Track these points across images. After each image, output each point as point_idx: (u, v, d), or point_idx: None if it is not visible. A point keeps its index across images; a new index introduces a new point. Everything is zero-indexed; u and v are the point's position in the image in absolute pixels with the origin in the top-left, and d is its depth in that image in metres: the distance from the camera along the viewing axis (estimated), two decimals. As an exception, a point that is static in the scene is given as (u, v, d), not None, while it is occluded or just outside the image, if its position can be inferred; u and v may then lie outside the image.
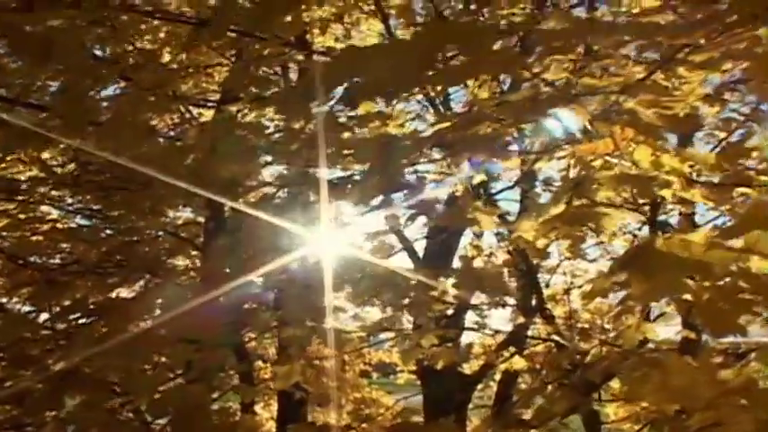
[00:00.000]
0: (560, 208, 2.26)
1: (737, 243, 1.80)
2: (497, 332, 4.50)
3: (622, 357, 2.67)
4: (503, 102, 1.96)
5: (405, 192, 2.26)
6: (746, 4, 2.06)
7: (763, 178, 2.04)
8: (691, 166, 2.38)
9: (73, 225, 4.40)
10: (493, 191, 4.52)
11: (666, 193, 2.15)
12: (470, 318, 4.59)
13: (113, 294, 3.55)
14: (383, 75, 1.35)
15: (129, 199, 3.02)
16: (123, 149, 2.62)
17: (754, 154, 2.19)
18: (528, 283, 4.23)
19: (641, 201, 3.94)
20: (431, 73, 1.43)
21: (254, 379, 4.72)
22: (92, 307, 3.44)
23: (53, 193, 4.13)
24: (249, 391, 4.14)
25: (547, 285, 5.22)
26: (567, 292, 4.65)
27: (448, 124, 1.91)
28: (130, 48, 4.53)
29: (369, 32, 4.35)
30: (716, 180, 2.11)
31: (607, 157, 2.65)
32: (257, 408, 5.95)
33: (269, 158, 3.08)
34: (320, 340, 3.17)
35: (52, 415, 2.77)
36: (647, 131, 2.38)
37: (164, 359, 3.06)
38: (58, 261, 4.30)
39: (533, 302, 4.20)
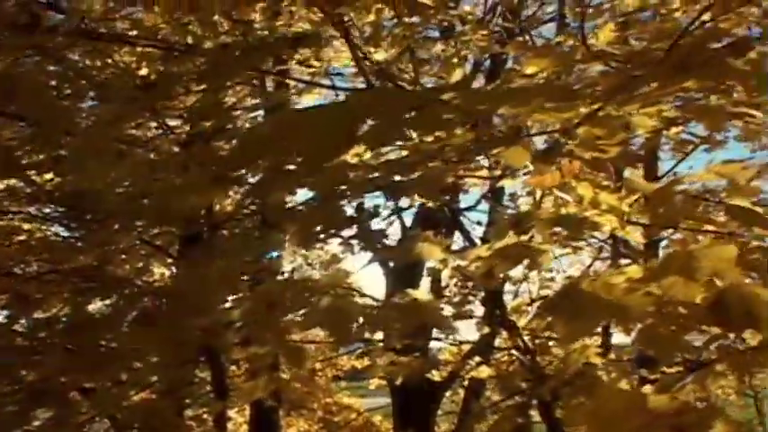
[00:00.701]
0: (502, 243, 2.37)
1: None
2: (462, 343, 4.65)
3: (569, 379, 2.81)
4: (445, 145, 2.07)
5: (353, 224, 2.37)
6: (675, 59, 2.19)
7: (690, 222, 2.17)
8: (631, 204, 2.51)
9: (49, 233, 4.50)
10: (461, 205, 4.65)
11: (602, 231, 2.27)
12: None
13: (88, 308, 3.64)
14: (305, 149, 1.45)
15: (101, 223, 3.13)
16: (91, 179, 2.72)
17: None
18: (493, 293, 4.35)
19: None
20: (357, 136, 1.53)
21: (226, 386, 4.85)
22: (65, 319, 3.54)
23: (30, 203, 4.23)
24: (216, 405, 4.27)
25: (516, 295, 5.38)
26: (531, 302, 4.78)
27: (391, 165, 2.02)
28: (109, 60, 4.62)
29: (342, 49, 4.45)
30: (647, 221, 2.23)
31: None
32: (231, 412, 6.08)
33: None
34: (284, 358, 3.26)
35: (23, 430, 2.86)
36: (594, 165, 2.51)
37: (133, 373, 3.16)
38: (35, 268, 4.39)
39: (498, 313, 4.33)
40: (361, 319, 2.30)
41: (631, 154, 2.71)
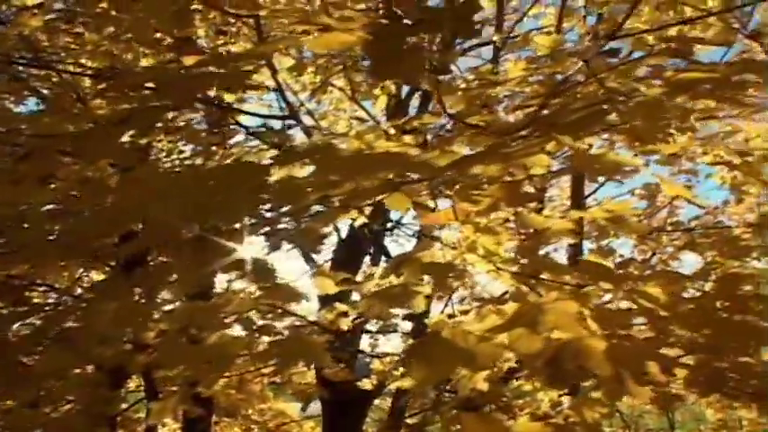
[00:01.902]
0: (388, 282, 2.55)
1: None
2: (386, 355, 4.84)
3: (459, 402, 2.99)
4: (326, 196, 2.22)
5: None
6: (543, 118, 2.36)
7: (550, 273, 2.34)
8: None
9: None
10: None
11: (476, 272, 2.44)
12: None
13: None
14: (164, 218, 1.61)
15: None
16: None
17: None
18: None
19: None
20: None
21: (158, 395, 4.98)
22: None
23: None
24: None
25: (445, 307, 5.57)
26: (450, 317, 4.95)
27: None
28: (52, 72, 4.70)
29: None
30: (516, 269, 2.41)
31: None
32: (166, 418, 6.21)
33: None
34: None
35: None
36: (488, 206, 2.68)
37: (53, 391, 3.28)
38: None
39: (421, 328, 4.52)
40: (245, 353, 2.46)
41: (521, 195, 2.90)
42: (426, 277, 2.78)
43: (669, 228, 5.14)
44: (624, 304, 2.51)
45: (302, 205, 1.98)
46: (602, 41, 2.17)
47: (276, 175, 2.05)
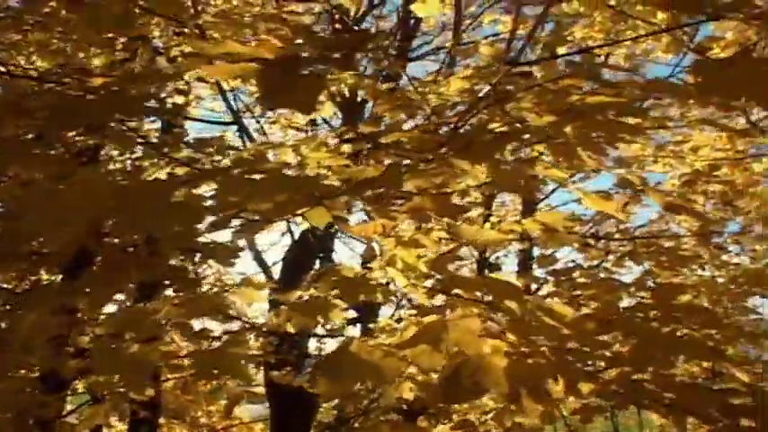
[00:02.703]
0: (308, 293, 2.59)
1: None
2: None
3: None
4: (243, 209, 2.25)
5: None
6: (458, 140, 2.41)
7: (457, 291, 2.39)
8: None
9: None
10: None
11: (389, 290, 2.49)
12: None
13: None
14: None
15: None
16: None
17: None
18: (362, 313, 4.59)
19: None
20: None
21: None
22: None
23: None
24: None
25: (396, 310, 5.62)
26: (398, 321, 4.99)
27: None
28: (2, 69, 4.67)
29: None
30: (428, 284, 2.46)
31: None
32: (112, 419, 6.20)
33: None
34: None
35: None
36: (419, 217, 2.73)
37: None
38: None
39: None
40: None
41: (453, 206, 2.94)
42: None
43: (617, 235, 5.21)
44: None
45: (209, 222, 2.02)
46: (509, 66, 2.22)
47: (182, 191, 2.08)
